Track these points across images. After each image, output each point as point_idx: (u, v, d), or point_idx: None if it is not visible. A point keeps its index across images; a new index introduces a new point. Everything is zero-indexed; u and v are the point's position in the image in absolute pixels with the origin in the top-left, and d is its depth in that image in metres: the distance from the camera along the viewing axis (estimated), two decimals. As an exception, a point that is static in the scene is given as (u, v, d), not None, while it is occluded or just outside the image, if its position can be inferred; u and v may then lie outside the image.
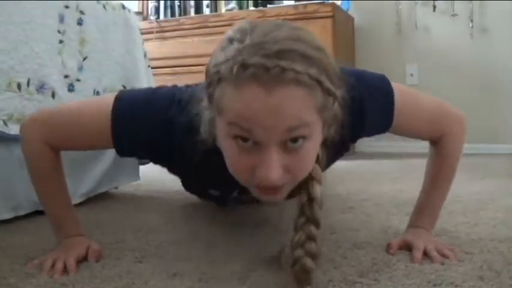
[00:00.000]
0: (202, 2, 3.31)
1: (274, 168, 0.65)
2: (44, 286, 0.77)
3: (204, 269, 0.83)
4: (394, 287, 0.73)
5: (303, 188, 0.75)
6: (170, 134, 0.82)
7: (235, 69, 0.62)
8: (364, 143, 3.12)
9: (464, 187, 1.59)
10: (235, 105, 0.64)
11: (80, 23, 1.32)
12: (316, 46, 0.67)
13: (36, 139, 0.89)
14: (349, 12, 3.00)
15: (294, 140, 0.66)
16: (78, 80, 1.32)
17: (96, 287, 0.76)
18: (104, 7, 1.42)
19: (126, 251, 0.94)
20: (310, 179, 0.75)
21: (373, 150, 3.03)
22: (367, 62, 3.02)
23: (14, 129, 1.12)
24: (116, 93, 0.87)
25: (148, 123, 0.82)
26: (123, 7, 1.53)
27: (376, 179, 1.88)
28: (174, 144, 0.83)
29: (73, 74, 1.31)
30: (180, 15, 3.35)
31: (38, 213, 1.24)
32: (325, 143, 0.76)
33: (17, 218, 1.19)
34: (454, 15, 2.84)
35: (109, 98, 0.85)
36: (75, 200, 1.32)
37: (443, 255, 0.85)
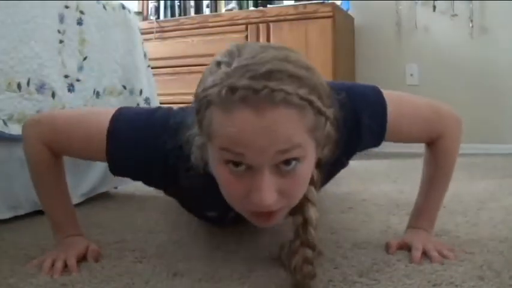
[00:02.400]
0: (202, 2, 3.31)
1: (268, 192, 0.64)
2: (44, 286, 0.77)
3: (204, 269, 0.83)
4: (394, 287, 0.73)
5: (298, 210, 0.74)
6: (163, 160, 0.80)
7: (223, 93, 0.61)
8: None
9: (464, 187, 1.59)
10: (226, 129, 0.62)
11: (80, 23, 1.32)
12: (305, 65, 0.65)
13: (37, 140, 0.88)
14: (349, 12, 3.00)
15: (287, 162, 0.64)
16: (78, 80, 1.32)
17: (96, 287, 0.76)
18: (104, 7, 1.42)
19: (126, 251, 0.94)
20: (305, 201, 0.74)
21: (373, 150, 3.03)
22: (367, 62, 3.02)
23: (14, 129, 1.12)
24: (115, 109, 0.86)
25: (141, 149, 0.81)
26: (123, 7, 1.53)
27: (376, 179, 1.88)
28: (167, 170, 0.81)
29: (73, 74, 1.31)
30: (180, 15, 3.35)
31: (38, 213, 1.24)
32: (319, 164, 0.75)
33: (17, 218, 1.19)
34: (454, 15, 2.84)
35: (108, 115, 0.84)
36: (75, 200, 1.32)
37: (442, 256, 0.85)
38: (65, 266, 0.83)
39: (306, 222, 0.75)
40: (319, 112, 0.65)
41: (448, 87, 2.87)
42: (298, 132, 0.63)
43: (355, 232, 1.06)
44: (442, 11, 2.88)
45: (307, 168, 0.68)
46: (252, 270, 0.82)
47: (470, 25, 2.82)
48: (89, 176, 1.42)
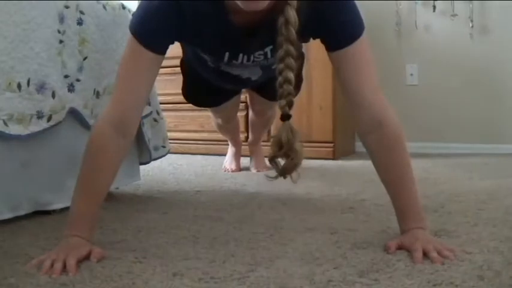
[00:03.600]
0: (202, 2, 3.31)
1: None
2: (44, 286, 0.77)
3: (204, 269, 0.83)
4: (394, 287, 0.74)
5: (279, 12, 0.90)
6: (178, 5, 0.96)
7: None
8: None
9: (464, 187, 1.59)
10: None
11: (80, 23, 1.32)
12: None
13: (106, 129, 0.96)
14: (349, 12, 3.00)
15: None
16: (78, 80, 1.32)
17: (96, 287, 0.76)
18: (104, 7, 1.42)
19: (126, 251, 0.94)
20: (285, 4, 0.90)
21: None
22: (367, 62, 3.02)
23: (14, 129, 1.12)
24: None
25: (157, 10, 0.96)
26: (123, 7, 1.53)
27: (376, 179, 1.87)
28: (183, 8, 0.96)
29: (73, 74, 1.30)
30: (180, 15, 3.35)
31: (38, 213, 1.25)
32: None
33: (17, 218, 1.19)
34: (454, 15, 2.84)
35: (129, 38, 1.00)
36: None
37: (443, 256, 0.85)
38: (65, 266, 0.83)
39: (286, 22, 0.90)
40: None
41: (448, 87, 2.87)
42: None
43: (355, 232, 1.06)
44: (442, 11, 2.88)
45: None
46: (252, 270, 0.82)
47: (470, 25, 2.82)
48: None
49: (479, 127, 2.82)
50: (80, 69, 1.33)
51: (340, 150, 2.64)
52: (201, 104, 1.87)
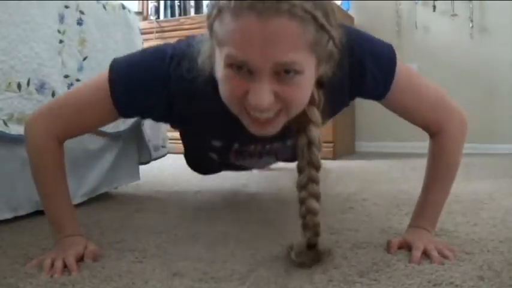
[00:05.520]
0: (202, 2, 3.32)
1: (264, 93, 0.69)
2: (44, 286, 0.77)
3: (204, 269, 0.83)
4: (394, 287, 0.73)
5: (302, 132, 0.80)
6: (167, 84, 0.85)
7: (233, 0, 0.66)
8: (364, 143, 3.12)
9: (464, 187, 1.59)
10: (232, 34, 0.67)
11: (80, 23, 1.32)
12: None
13: (41, 132, 0.91)
14: (349, 12, 3.01)
15: (287, 71, 0.69)
16: (78, 80, 1.32)
17: (96, 287, 0.76)
18: (104, 7, 1.42)
19: (126, 251, 0.94)
20: (308, 122, 0.79)
21: (373, 150, 3.03)
22: (367, 62, 3.02)
23: (14, 129, 1.12)
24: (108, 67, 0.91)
25: (144, 77, 0.86)
26: (123, 7, 1.53)
27: (376, 179, 1.88)
28: (172, 90, 0.86)
29: (73, 74, 1.31)
30: (180, 15, 3.35)
31: (38, 213, 1.24)
32: (321, 84, 0.79)
33: (17, 218, 1.19)
34: (454, 15, 2.84)
35: (103, 73, 0.89)
36: (76, 200, 1.32)
37: (443, 256, 0.85)
38: (65, 265, 0.83)
39: (310, 143, 0.79)
40: (322, 28, 0.69)
41: (448, 87, 2.85)
42: (300, 44, 0.68)
43: (355, 232, 1.06)
44: (442, 11, 2.88)
45: (305, 81, 0.72)
46: (252, 270, 0.82)
47: (470, 25, 2.82)
48: (89, 177, 1.42)
49: (479, 127, 2.82)
50: (80, 69, 1.33)
51: (340, 150, 2.64)
52: (205, 173, 1.59)
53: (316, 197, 0.80)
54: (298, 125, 0.80)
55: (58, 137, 0.92)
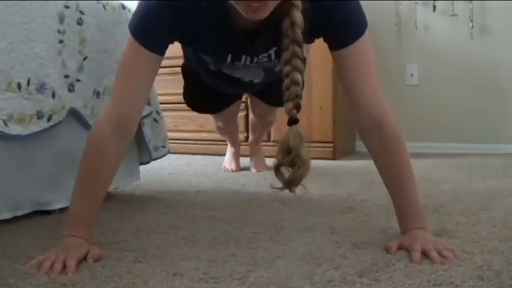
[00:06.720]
0: (202, 2, 3.31)
1: None
2: (44, 286, 0.77)
3: (204, 269, 0.83)
4: (394, 287, 0.74)
5: (285, 15, 0.89)
6: (178, 7, 0.95)
7: None
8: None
9: (464, 187, 1.59)
10: None
11: (80, 23, 1.32)
12: None
13: (102, 125, 0.96)
14: (349, 12, 3.00)
15: None
16: (78, 80, 1.32)
17: (96, 287, 0.76)
18: (104, 7, 1.42)
19: (126, 251, 0.94)
20: (290, 6, 0.88)
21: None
22: (367, 62, 3.02)
23: (14, 129, 1.12)
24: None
25: (156, 12, 0.96)
26: (123, 7, 1.53)
27: (376, 179, 1.87)
28: (182, 12, 0.96)
29: (73, 74, 1.30)
30: (180, 15, 3.34)
31: (38, 213, 1.25)
32: None
33: (17, 218, 1.19)
34: (454, 15, 2.84)
35: (128, 37, 0.99)
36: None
37: (442, 256, 0.85)
38: (64, 266, 0.83)
39: (292, 24, 0.88)
40: None
41: (448, 87, 2.87)
42: None
43: (355, 232, 1.06)
44: (442, 11, 2.88)
45: None
46: (252, 270, 0.82)
47: (470, 25, 2.82)
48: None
49: (479, 127, 2.82)
50: (80, 69, 1.33)
51: (340, 150, 2.64)
52: (202, 110, 1.87)
53: (300, 70, 0.89)
54: (283, 11, 0.89)
55: (119, 128, 0.96)
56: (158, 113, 1.64)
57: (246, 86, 1.37)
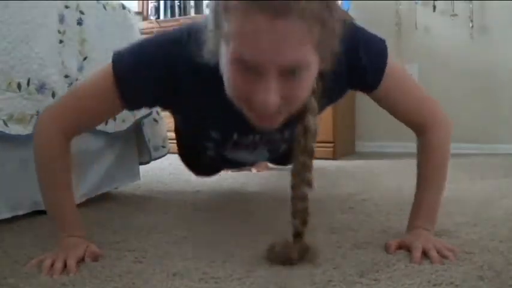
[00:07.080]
0: (202, 2, 3.32)
1: (271, 94, 0.70)
2: (44, 286, 0.77)
3: (204, 269, 0.83)
4: (394, 287, 0.74)
5: (299, 120, 0.82)
6: (174, 66, 0.86)
7: None
8: (364, 143, 3.12)
9: (464, 187, 1.59)
10: (241, 33, 0.68)
11: (80, 23, 1.32)
12: None
13: (49, 128, 0.92)
14: (349, 12, 3.00)
15: (293, 69, 0.70)
16: (78, 80, 1.32)
17: (96, 287, 0.76)
18: (104, 7, 1.42)
19: (126, 251, 0.94)
20: (305, 111, 0.81)
21: (373, 150, 3.03)
22: (367, 62, 3.02)
23: (14, 129, 1.12)
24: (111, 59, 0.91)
25: (148, 63, 0.86)
26: (123, 7, 1.53)
27: (376, 179, 1.88)
28: (178, 73, 0.86)
29: (73, 74, 1.30)
30: (180, 15, 3.35)
31: (38, 213, 1.24)
32: (321, 76, 0.80)
33: (17, 218, 1.19)
34: (454, 15, 2.84)
35: (105, 67, 0.89)
36: (76, 201, 1.31)
37: (442, 256, 0.85)
38: (65, 266, 0.83)
39: (305, 131, 0.82)
40: (327, 28, 0.70)
41: (448, 87, 2.87)
42: (306, 45, 0.69)
43: (355, 232, 1.06)
44: (442, 11, 2.88)
45: (309, 77, 0.74)
46: (252, 270, 0.82)
47: (470, 25, 2.82)
48: (89, 177, 1.42)
49: (479, 127, 2.82)
50: (80, 69, 1.33)
51: (340, 150, 2.64)
52: (200, 175, 1.65)
53: (309, 184, 0.82)
54: (297, 115, 0.81)
55: (66, 134, 0.93)
56: (158, 113, 1.64)
57: (250, 163, 1.34)
